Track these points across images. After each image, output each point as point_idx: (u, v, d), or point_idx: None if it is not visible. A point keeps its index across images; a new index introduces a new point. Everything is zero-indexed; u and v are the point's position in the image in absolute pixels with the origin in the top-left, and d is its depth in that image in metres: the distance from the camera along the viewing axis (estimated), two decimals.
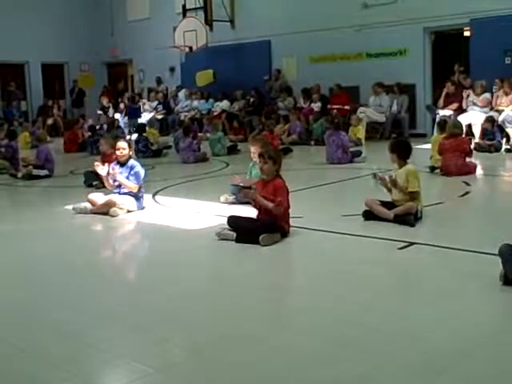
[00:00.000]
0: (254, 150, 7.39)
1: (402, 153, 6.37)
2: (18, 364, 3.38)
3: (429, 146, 10.26)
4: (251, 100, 17.48)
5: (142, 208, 7.36)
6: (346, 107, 15.34)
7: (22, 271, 5.19)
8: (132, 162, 7.37)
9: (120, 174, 7.29)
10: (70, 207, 7.53)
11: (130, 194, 7.28)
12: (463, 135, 9.91)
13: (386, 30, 15.20)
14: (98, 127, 15.90)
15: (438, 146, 9.40)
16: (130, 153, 7.47)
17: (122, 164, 7.36)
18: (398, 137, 14.17)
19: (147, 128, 14.71)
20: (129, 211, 7.23)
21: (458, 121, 11.08)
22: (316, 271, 4.89)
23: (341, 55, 16.33)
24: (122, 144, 7.41)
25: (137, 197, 7.31)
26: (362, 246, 5.60)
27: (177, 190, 9.03)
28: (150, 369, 3.22)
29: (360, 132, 13.42)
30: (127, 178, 7.27)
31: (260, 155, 5.93)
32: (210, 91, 18.46)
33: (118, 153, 7.37)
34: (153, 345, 3.56)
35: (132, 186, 7.24)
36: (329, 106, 15.72)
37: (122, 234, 6.86)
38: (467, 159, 9.31)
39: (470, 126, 12.99)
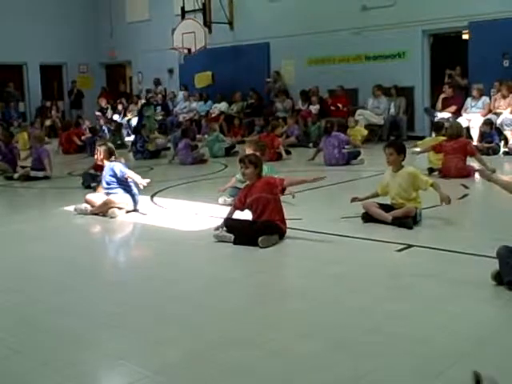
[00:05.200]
0: (247, 151, 7.46)
1: (400, 150, 6.39)
2: (15, 366, 3.37)
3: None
4: (249, 102, 17.51)
5: (136, 209, 7.35)
6: (345, 109, 15.37)
7: (20, 273, 5.18)
8: (108, 164, 7.37)
9: (103, 174, 7.45)
10: (69, 208, 7.55)
11: (123, 190, 7.30)
12: (463, 136, 9.93)
13: (384, 32, 15.22)
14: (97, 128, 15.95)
15: (438, 148, 9.42)
16: (113, 156, 7.49)
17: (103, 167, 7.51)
18: (396, 139, 14.20)
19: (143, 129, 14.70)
20: (127, 211, 7.24)
21: (457, 122, 11.11)
22: (315, 273, 4.89)
23: (339, 58, 16.34)
24: (100, 149, 7.51)
25: (131, 193, 7.32)
26: (361, 248, 5.60)
27: (175, 191, 9.03)
28: (149, 371, 3.21)
29: (361, 132, 13.44)
30: (111, 176, 7.29)
31: (240, 161, 6.05)
32: (208, 93, 18.48)
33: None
34: (152, 347, 3.55)
35: (130, 173, 7.32)
36: (329, 101, 15.80)
37: (120, 235, 6.85)
38: (475, 158, 9.39)
39: (468, 129, 13.02)
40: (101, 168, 8.53)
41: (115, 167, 7.28)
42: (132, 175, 7.31)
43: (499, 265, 4.25)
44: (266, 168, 7.26)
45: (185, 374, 3.24)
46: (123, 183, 7.30)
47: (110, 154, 7.44)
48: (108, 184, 7.33)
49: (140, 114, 16.91)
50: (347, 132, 12.38)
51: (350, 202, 6.66)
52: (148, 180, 7.30)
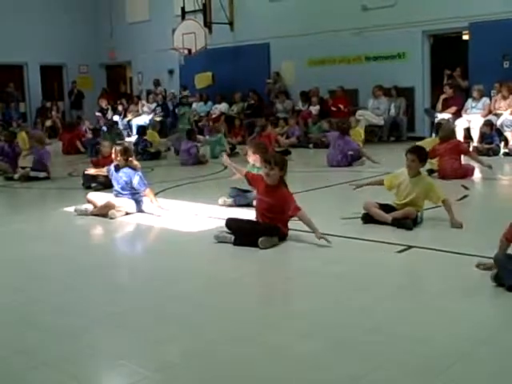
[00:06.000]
0: (249, 153, 7.46)
1: (423, 158, 6.39)
2: (15, 366, 3.37)
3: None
4: (250, 102, 17.50)
5: (141, 210, 7.35)
6: (345, 109, 15.38)
7: (20, 272, 5.19)
8: (128, 170, 7.28)
9: (117, 176, 7.35)
10: (69, 209, 7.55)
11: (130, 196, 7.28)
12: (455, 137, 9.98)
13: (385, 33, 15.25)
14: (98, 128, 15.97)
15: (432, 153, 9.44)
16: (130, 158, 7.41)
17: (119, 168, 7.36)
18: (396, 140, 14.24)
19: (148, 130, 14.72)
20: (127, 213, 7.23)
21: (447, 124, 11.18)
22: (315, 273, 4.89)
23: (340, 58, 16.36)
24: (117, 148, 7.41)
25: (137, 200, 7.30)
26: (361, 249, 5.60)
27: (175, 192, 9.03)
28: (149, 371, 3.21)
29: (360, 133, 13.45)
30: (126, 182, 7.25)
31: (266, 161, 5.82)
32: (208, 93, 18.48)
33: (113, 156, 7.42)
34: (152, 346, 3.55)
35: (150, 194, 7.23)
36: (330, 102, 15.78)
37: (120, 236, 6.85)
38: (469, 156, 9.42)
39: (468, 130, 13.04)
40: (103, 164, 8.52)
41: (134, 178, 7.17)
42: (148, 194, 7.19)
43: (498, 270, 4.25)
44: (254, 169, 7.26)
45: (185, 373, 3.24)
46: (135, 190, 7.27)
47: (126, 155, 7.30)
48: (120, 185, 7.29)
49: (174, 115, 16.98)
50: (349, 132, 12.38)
51: (353, 189, 6.85)
52: (163, 212, 7.15)
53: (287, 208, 5.68)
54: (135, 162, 7.42)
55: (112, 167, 7.44)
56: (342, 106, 15.48)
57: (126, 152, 7.32)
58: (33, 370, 3.28)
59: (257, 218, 5.92)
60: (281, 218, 5.77)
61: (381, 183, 6.64)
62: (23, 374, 3.27)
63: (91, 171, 8.36)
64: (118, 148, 7.36)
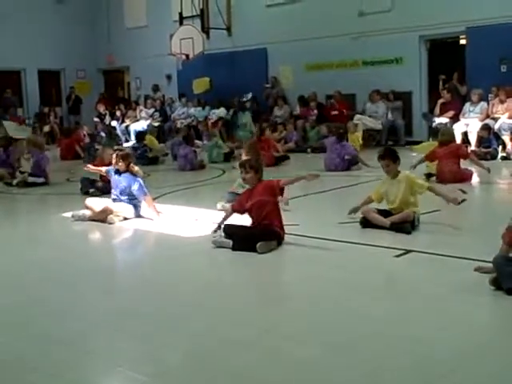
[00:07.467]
0: (243, 156, 7.53)
1: (395, 157, 6.41)
2: (14, 371, 3.37)
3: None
4: (245, 100, 17.53)
5: (139, 216, 7.34)
6: (346, 114, 15.41)
7: (19, 278, 5.18)
8: (128, 175, 7.25)
9: (116, 180, 7.34)
10: (67, 214, 7.53)
11: (128, 201, 7.27)
12: (455, 141, 9.99)
13: (382, 37, 15.27)
14: (95, 133, 15.97)
15: (431, 155, 9.47)
16: (131, 164, 7.36)
17: (120, 172, 7.33)
18: (394, 144, 14.26)
19: (147, 135, 14.72)
20: (125, 218, 7.22)
21: (448, 128, 11.19)
22: (313, 278, 4.89)
23: (337, 63, 16.39)
24: (119, 154, 7.38)
25: (135, 205, 7.29)
26: (359, 253, 5.60)
27: (174, 197, 9.02)
28: (147, 377, 3.21)
29: (358, 138, 13.49)
30: (125, 187, 7.23)
31: (241, 165, 6.03)
32: (206, 99, 18.49)
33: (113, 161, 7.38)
34: (150, 352, 3.55)
35: (150, 202, 7.24)
36: (336, 106, 15.79)
37: (119, 241, 6.84)
38: (469, 160, 9.42)
39: (466, 134, 13.06)
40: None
41: (134, 184, 7.15)
42: (148, 202, 7.20)
43: (497, 273, 4.25)
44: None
45: (184, 378, 3.23)
46: (133, 195, 7.26)
47: (128, 160, 7.28)
48: (119, 190, 7.28)
49: (232, 121, 16.89)
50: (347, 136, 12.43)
51: (348, 214, 6.67)
52: (160, 217, 7.19)
53: (274, 191, 5.82)
54: (136, 169, 7.38)
55: (111, 169, 7.43)
56: (344, 111, 15.49)
57: (127, 157, 7.31)
58: (30, 375, 3.27)
59: (252, 225, 5.93)
60: (276, 214, 5.80)
61: (371, 200, 6.61)
62: (21, 378, 3.26)
63: (90, 167, 8.29)
64: (120, 153, 7.35)
